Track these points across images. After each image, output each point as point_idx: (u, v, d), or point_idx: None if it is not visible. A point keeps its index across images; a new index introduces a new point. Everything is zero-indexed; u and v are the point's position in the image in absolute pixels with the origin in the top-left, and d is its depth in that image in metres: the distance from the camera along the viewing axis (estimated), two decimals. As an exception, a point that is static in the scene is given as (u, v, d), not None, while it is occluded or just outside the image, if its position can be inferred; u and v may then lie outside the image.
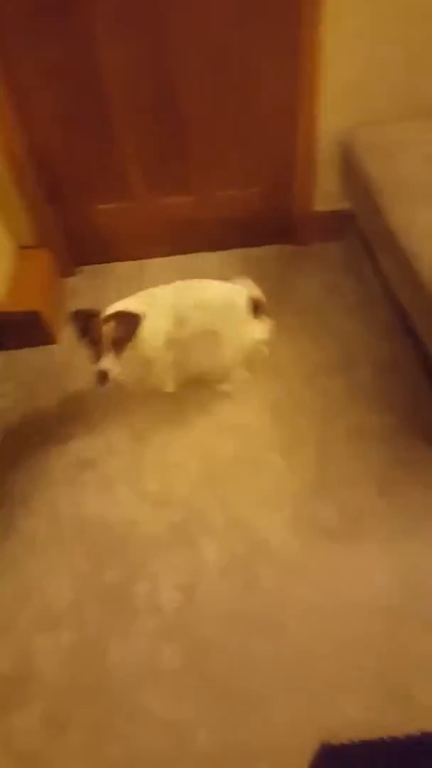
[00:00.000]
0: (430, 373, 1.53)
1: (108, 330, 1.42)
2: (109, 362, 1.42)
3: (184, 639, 1.32)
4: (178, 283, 1.63)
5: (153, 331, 1.54)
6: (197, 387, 1.83)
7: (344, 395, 1.80)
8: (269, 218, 2.30)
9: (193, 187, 2.21)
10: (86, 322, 1.44)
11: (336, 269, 2.23)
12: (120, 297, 1.53)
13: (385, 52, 1.82)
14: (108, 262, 2.36)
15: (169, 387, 1.80)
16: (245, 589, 1.40)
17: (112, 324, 1.43)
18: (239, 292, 1.61)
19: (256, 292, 1.62)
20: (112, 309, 1.49)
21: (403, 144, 1.77)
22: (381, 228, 1.63)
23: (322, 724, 1.20)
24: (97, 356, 1.43)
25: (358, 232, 2.01)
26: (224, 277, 1.68)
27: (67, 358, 1.97)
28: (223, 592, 1.39)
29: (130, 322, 1.46)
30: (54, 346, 2.03)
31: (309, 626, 1.34)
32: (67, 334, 2.04)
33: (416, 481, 1.58)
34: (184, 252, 2.38)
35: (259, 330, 1.66)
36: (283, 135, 2.04)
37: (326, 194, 2.19)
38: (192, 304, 1.59)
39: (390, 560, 1.43)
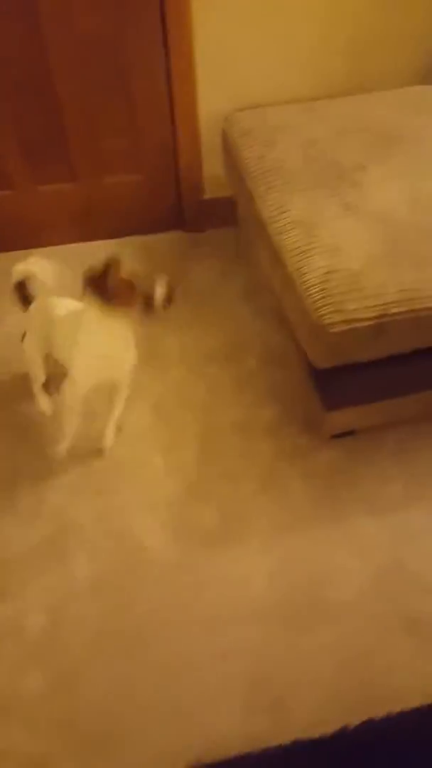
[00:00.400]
0: (312, 373, 1.50)
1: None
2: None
3: (50, 664, 1.25)
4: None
5: None
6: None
7: (231, 386, 1.75)
8: (160, 205, 2.21)
9: (78, 174, 2.09)
10: (103, 281, 1.22)
11: (229, 256, 2.17)
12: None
13: (256, 36, 1.75)
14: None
15: None
16: (118, 607, 1.33)
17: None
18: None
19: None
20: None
21: (281, 129, 1.70)
22: (254, 216, 1.57)
23: (195, 743, 1.15)
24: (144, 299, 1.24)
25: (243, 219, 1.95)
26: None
27: None
28: (94, 611, 1.32)
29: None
30: None
31: (183, 641, 1.29)
32: None
33: (297, 472, 1.55)
34: (77, 240, 2.27)
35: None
36: (162, 120, 1.96)
37: (215, 181, 2.11)
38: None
39: (269, 560, 1.40)
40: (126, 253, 2.16)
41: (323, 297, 1.28)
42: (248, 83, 1.86)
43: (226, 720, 1.18)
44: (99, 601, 1.33)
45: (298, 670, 1.25)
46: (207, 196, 2.18)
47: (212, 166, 2.06)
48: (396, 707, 1.18)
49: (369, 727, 1.15)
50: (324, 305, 1.27)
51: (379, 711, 1.18)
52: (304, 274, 1.33)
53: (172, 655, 1.26)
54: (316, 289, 1.30)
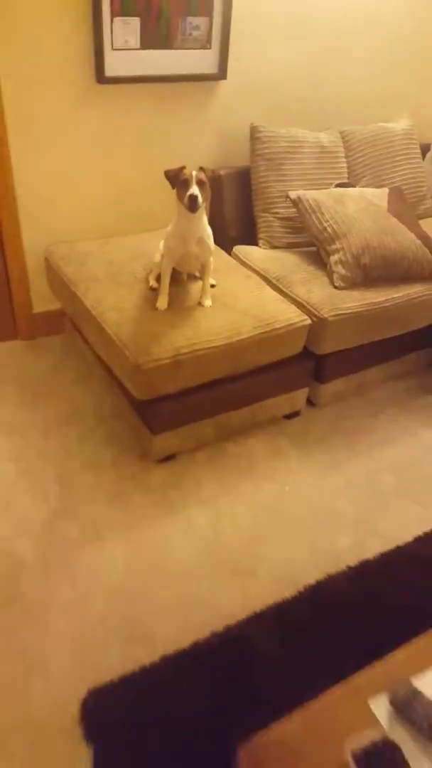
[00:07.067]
0: (136, 407, 2.06)
1: (195, 173, 1.93)
2: (196, 190, 1.91)
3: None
4: None
5: None
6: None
7: (76, 439, 2.22)
8: (-5, 321, 2.70)
9: None
10: (177, 173, 1.94)
11: (59, 354, 2.71)
12: None
13: (66, 188, 2.49)
14: None
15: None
16: (11, 599, 1.64)
17: (198, 170, 1.94)
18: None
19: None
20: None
21: (89, 254, 2.39)
22: (80, 308, 2.18)
23: (89, 676, 1.49)
24: (186, 190, 1.91)
25: (69, 319, 2.55)
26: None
27: None
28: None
29: (211, 175, 1.98)
30: None
31: (69, 609, 1.64)
32: None
33: (138, 489, 2.04)
34: None
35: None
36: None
37: (41, 298, 2.70)
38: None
39: (125, 549, 1.83)
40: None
41: (136, 348, 1.89)
42: (62, 220, 2.56)
43: (110, 653, 1.54)
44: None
45: (156, 611, 1.66)
46: (36, 310, 2.75)
47: (37, 286, 2.66)
48: (230, 621, 1.64)
49: (211, 640, 1.59)
50: (137, 352, 1.88)
51: (218, 626, 1.62)
52: (122, 337, 1.94)
53: (60, 619, 1.61)
54: (131, 345, 1.91)
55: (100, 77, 2.29)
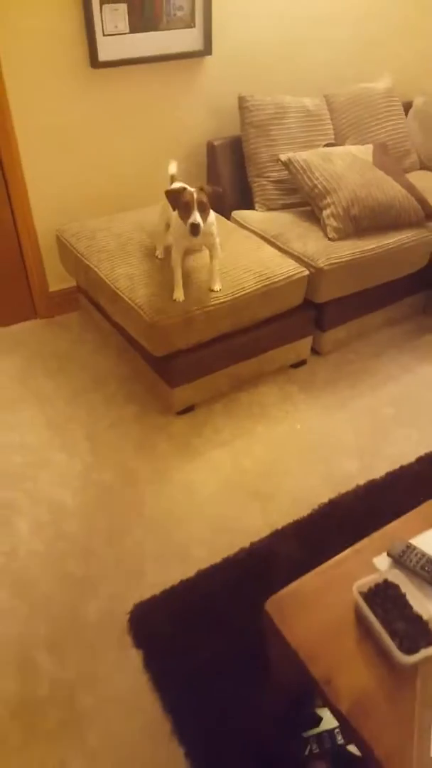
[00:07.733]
0: (153, 366, 2.26)
1: (196, 195, 1.93)
2: (198, 218, 1.92)
3: (13, 582, 1.72)
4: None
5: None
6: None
7: (101, 402, 2.41)
8: (14, 301, 2.89)
9: None
10: (178, 194, 1.94)
11: (77, 328, 2.90)
12: None
13: (74, 174, 2.66)
14: None
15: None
16: (57, 537, 1.86)
17: (198, 191, 1.94)
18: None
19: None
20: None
21: (97, 230, 2.57)
22: (94, 280, 2.37)
23: (134, 594, 1.70)
24: (188, 215, 1.92)
25: (83, 292, 2.73)
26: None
27: None
28: (40, 544, 1.83)
29: (212, 192, 1.97)
30: None
31: (110, 540, 1.85)
32: None
33: (162, 438, 2.24)
34: None
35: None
36: (9, 240, 2.71)
37: (55, 277, 2.89)
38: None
39: (154, 488, 2.04)
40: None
41: (150, 308, 2.07)
42: (71, 204, 2.74)
43: (149, 572, 1.76)
44: (42, 536, 1.86)
45: (191, 535, 1.87)
46: (51, 289, 2.94)
47: (51, 266, 2.85)
48: (254, 538, 1.85)
49: (239, 555, 1.80)
50: (151, 312, 2.06)
51: (243, 543, 1.83)
52: (136, 300, 2.13)
53: (103, 548, 1.83)
54: (145, 305, 2.09)
55: (94, 62, 2.45)
